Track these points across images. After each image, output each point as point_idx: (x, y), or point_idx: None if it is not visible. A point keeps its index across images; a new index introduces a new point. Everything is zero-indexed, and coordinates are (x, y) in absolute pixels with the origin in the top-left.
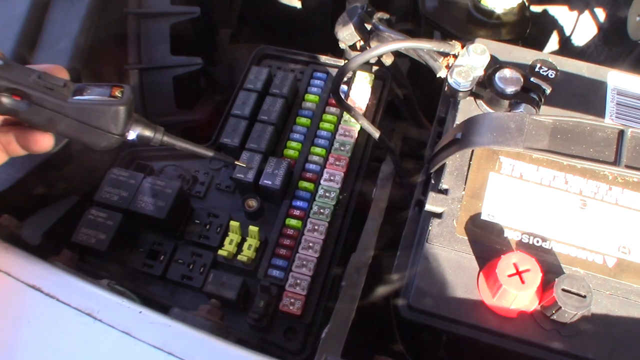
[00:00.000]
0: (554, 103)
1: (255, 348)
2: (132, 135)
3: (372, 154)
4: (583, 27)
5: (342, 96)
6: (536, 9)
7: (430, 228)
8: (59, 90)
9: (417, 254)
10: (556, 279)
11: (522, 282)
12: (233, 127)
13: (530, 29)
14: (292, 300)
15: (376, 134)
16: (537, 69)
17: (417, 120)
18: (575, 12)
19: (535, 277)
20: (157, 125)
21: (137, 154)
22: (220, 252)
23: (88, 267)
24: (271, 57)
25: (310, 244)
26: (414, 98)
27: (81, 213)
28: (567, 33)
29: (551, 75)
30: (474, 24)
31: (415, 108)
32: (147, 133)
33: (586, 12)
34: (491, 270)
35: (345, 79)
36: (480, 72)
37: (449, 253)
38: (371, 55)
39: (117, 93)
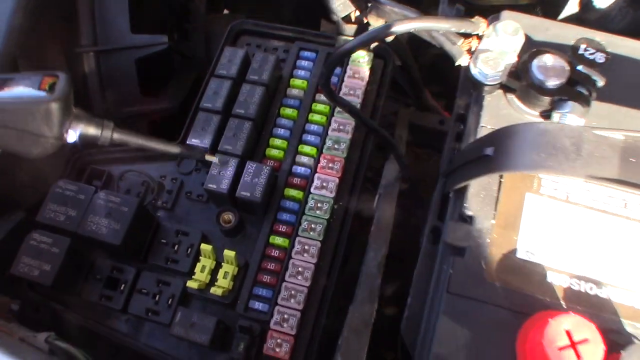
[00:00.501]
0: (607, 98)
1: None
2: (72, 136)
3: (373, 151)
4: None
5: (335, 81)
6: None
7: (451, 271)
8: None
9: (433, 307)
10: (622, 353)
11: (579, 358)
12: (203, 124)
13: None
14: (278, 341)
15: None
16: (581, 51)
17: (424, 104)
18: None
19: (595, 351)
20: (104, 120)
21: (91, 156)
22: (190, 283)
23: (36, 298)
24: (250, 34)
25: (300, 269)
26: (420, 78)
27: (27, 233)
28: None
29: (600, 59)
30: None
31: (422, 90)
32: (92, 131)
33: None
34: (534, 335)
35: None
36: (512, 59)
37: (476, 306)
38: (369, 39)
39: (49, 85)
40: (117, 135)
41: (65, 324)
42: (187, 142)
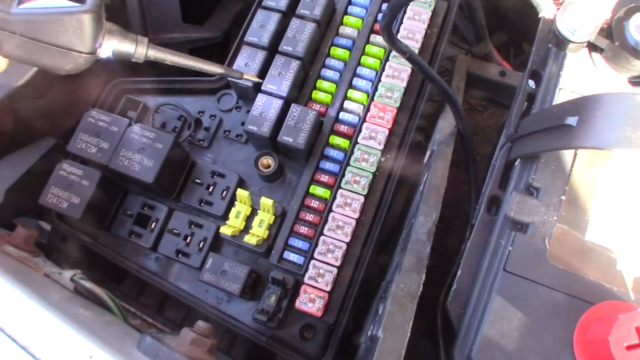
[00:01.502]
0: None
1: (262, 349)
2: (105, 51)
3: (427, 102)
4: None
5: (394, 25)
6: None
7: (510, 248)
8: None
9: (486, 284)
10: None
11: None
12: (247, 59)
13: None
14: (311, 296)
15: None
16: None
17: (486, 54)
18: None
19: None
20: (138, 36)
21: (127, 85)
22: (223, 229)
23: (64, 228)
24: None
25: (340, 224)
26: (484, 23)
27: (57, 162)
28: None
29: None
30: None
31: (485, 36)
32: (126, 46)
33: None
34: (597, 328)
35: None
36: (606, 14)
37: (534, 289)
38: None
39: None
40: (152, 52)
41: (93, 256)
42: (229, 78)
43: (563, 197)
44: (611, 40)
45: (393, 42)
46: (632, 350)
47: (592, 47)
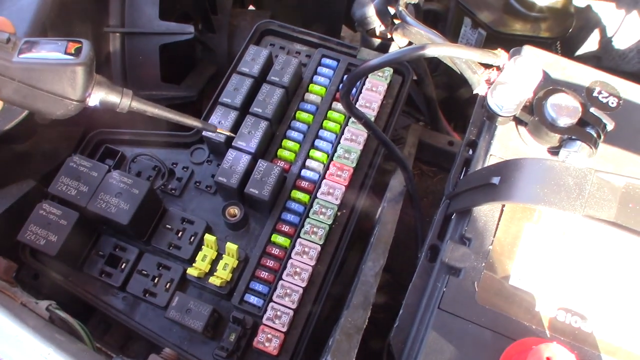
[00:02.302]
0: (615, 142)
1: None
2: (94, 100)
3: (381, 164)
4: (628, 29)
5: (353, 92)
6: (580, 3)
7: (444, 289)
8: (1, 48)
9: (423, 321)
10: None
11: None
12: (221, 117)
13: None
14: (269, 336)
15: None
16: (595, 94)
17: (436, 124)
18: (623, 11)
19: None
20: (123, 88)
21: (107, 135)
22: (190, 270)
23: (37, 266)
24: (275, 34)
25: (297, 270)
26: (435, 98)
27: (36, 202)
28: (610, 34)
29: (612, 103)
30: (512, 16)
31: (436, 110)
32: (112, 98)
33: (634, 12)
34: (517, 359)
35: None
36: (528, 94)
37: (464, 325)
38: (395, 59)
39: (74, 50)
40: (135, 104)
41: (62, 294)
42: (203, 133)
43: (490, 247)
44: (532, 115)
45: (350, 109)
46: None
47: (518, 120)
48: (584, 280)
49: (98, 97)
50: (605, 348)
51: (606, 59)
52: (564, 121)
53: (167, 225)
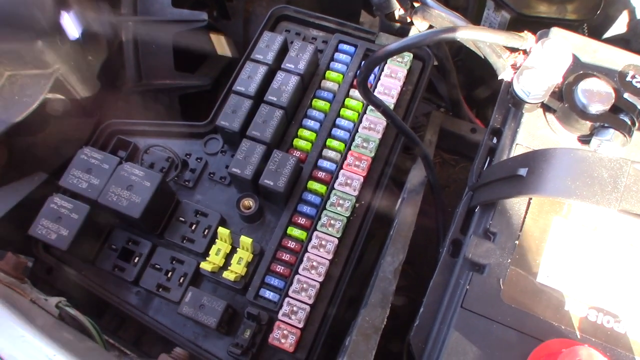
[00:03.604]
0: None
1: None
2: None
3: (401, 154)
4: None
5: (371, 79)
6: None
7: (467, 287)
8: None
9: (445, 320)
10: None
11: None
12: (234, 106)
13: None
14: (284, 332)
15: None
16: (629, 78)
17: (458, 111)
18: None
19: None
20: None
21: (119, 126)
22: (203, 265)
23: (50, 260)
24: (290, 20)
25: (314, 264)
26: (458, 84)
27: (48, 195)
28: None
29: None
30: None
31: (459, 97)
32: None
33: None
34: None
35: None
36: (557, 79)
37: (489, 325)
38: (415, 43)
39: None
40: None
41: (75, 289)
42: (217, 123)
43: (517, 242)
44: (562, 102)
45: (368, 96)
46: None
47: (546, 107)
48: (616, 278)
49: None
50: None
51: (635, 41)
52: (596, 108)
53: (181, 218)
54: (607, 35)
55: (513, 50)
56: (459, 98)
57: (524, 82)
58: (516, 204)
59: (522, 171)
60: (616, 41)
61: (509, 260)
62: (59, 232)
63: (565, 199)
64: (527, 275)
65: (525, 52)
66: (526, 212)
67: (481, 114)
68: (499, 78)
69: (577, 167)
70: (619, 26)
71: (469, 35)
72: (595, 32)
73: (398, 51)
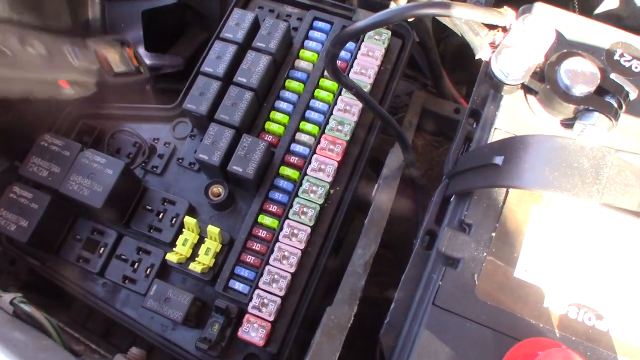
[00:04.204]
0: (638, 112)
1: None
2: None
3: (378, 137)
4: None
5: (347, 58)
6: None
7: (440, 282)
8: None
9: (416, 318)
10: None
11: None
12: (202, 88)
13: None
14: (255, 325)
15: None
16: (616, 57)
17: (442, 90)
18: None
19: None
20: None
21: (84, 110)
22: (169, 256)
23: (13, 252)
24: None
25: (285, 254)
26: (439, 61)
27: (9, 185)
28: None
29: (636, 67)
30: None
31: (441, 75)
32: None
33: None
34: None
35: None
36: (539, 59)
37: (462, 324)
38: (386, 19)
39: None
40: None
41: (40, 280)
42: (184, 106)
43: (493, 234)
44: (544, 83)
45: (338, 77)
46: None
47: (527, 89)
48: (598, 273)
49: None
50: (622, 349)
51: (628, 17)
52: (580, 89)
53: (147, 207)
54: (598, 10)
55: (492, 27)
56: (441, 76)
57: (502, 62)
58: (493, 194)
59: (498, 160)
60: (608, 17)
61: (485, 254)
62: (19, 223)
63: (543, 191)
64: (504, 270)
65: (504, 29)
66: (504, 202)
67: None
68: (477, 57)
69: (556, 156)
70: (611, 1)
71: (443, 12)
72: (587, 6)
73: (368, 28)
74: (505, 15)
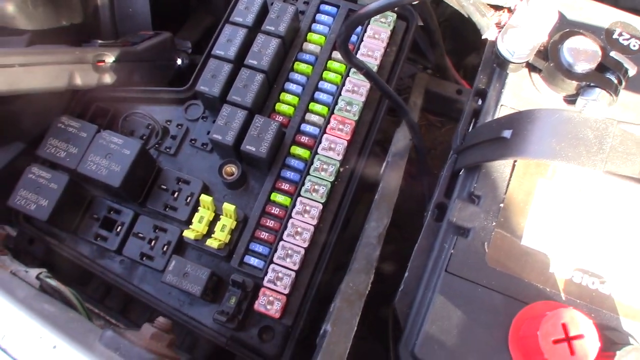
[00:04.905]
0: (637, 88)
1: (222, 350)
2: None
3: (385, 117)
4: None
5: (354, 40)
6: None
7: (452, 251)
8: None
9: (430, 285)
10: (617, 354)
11: (572, 353)
12: (213, 71)
13: None
14: (270, 298)
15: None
16: (615, 36)
17: (444, 72)
18: None
19: (590, 348)
20: None
21: (97, 93)
22: (186, 233)
23: (31, 231)
24: None
25: (298, 230)
26: (442, 43)
27: (26, 166)
28: None
29: (634, 46)
30: None
31: (444, 57)
32: None
33: None
34: (529, 325)
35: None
36: (542, 38)
37: (473, 289)
38: (396, 2)
39: None
40: None
41: (59, 259)
42: (196, 88)
43: (501, 205)
44: (547, 61)
45: (349, 58)
46: (558, 344)
47: (532, 67)
48: (602, 239)
49: None
50: (625, 311)
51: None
52: (582, 66)
53: (162, 186)
54: None
55: (497, 8)
56: (443, 58)
57: (508, 42)
58: (501, 167)
59: (507, 133)
60: None
61: (494, 224)
62: (39, 203)
63: (550, 160)
64: (511, 238)
65: (510, 10)
66: (511, 175)
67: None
68: (483, 37)
69: (562, 128)
70: None
71: None
72: None
73: (379, 11)
74: None
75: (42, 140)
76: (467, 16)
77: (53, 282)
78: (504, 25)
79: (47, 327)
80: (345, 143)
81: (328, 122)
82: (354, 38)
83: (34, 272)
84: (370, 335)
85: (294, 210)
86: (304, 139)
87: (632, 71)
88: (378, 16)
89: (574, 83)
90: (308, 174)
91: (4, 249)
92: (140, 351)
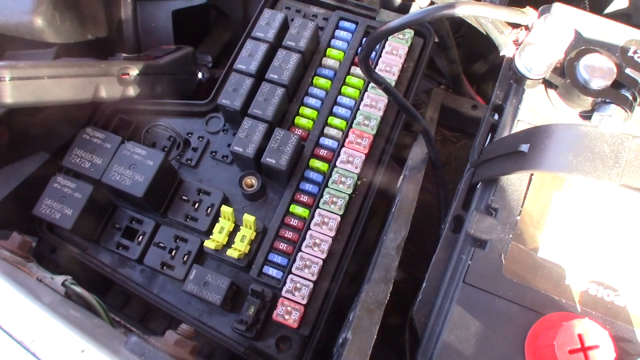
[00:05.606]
0: None
1: (240, 357)
2: None
3: (402, 131)
4: None
5: (372, 56)
6: None
7: (469, 262)
8: None
9: (447, 295)
10: None
11: None
12: (235, 85)
13: None
14: (288, 309)
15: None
16: (630, 53)
17: (459, 88)
18: None
19: (605, 358)
20: None
21: (120, 105)
22: (207, 243)
23: (54, 240)
24: None
25: (317, 241)
26: (459, 61)
27: (50, 176)
28: None
29: None
30: None
31: (459, 73)
32: None
33: None
34: (545, 335)
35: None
36: (559, 55)
37: (490, 300)
38: (417, 19)
39: None
40: None
41: (80, 267)
42: (218, 102)
43: (518, 217)
44: (563, 77)
45: (370, 74)
46: (574, 354)
47: (548, 83)
48: (617, 252)
49: None
50: (639, 323)
51: (637, 16)
52: (598, 83)
53: (184, 197)
54: (608, 10)
55: (515, 26)
56: (459, 74)
57: (525, 58)
58: (517, 180)
59: (524, 147)
60: (618, 16)
61: (511, 236)
62: (63, 212)
63: (567, 174)
64: (528, 250)
65: (527, 27)
66: (527, 188)
67: (480, 90)
68: (501, 54)
69: (579, 142)
70: (621, 0)
71: (471, 11)
72: (597, 6)
73: (400, 28)
74: (528, 14)
75: (68, 150)
76: (485, 33)
77: (78, 289)
78: (522, 42)
79: (74, 332)
80: (363, 156)
81: (346, 135)
82: (372, 54)
83: (59, 279)
84: (380, 343)
85: (313, 222)
86: (322, 152)
87: None
88: (396, 33)
89: (590, 99)
90: (326, 186)
91: (30, 256)
92: (164, 357)
